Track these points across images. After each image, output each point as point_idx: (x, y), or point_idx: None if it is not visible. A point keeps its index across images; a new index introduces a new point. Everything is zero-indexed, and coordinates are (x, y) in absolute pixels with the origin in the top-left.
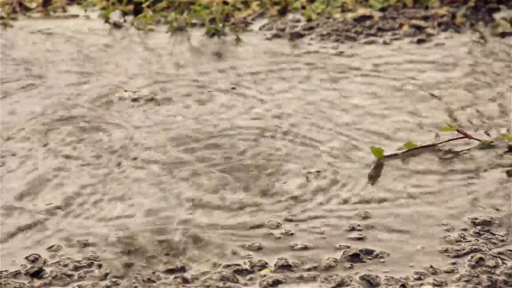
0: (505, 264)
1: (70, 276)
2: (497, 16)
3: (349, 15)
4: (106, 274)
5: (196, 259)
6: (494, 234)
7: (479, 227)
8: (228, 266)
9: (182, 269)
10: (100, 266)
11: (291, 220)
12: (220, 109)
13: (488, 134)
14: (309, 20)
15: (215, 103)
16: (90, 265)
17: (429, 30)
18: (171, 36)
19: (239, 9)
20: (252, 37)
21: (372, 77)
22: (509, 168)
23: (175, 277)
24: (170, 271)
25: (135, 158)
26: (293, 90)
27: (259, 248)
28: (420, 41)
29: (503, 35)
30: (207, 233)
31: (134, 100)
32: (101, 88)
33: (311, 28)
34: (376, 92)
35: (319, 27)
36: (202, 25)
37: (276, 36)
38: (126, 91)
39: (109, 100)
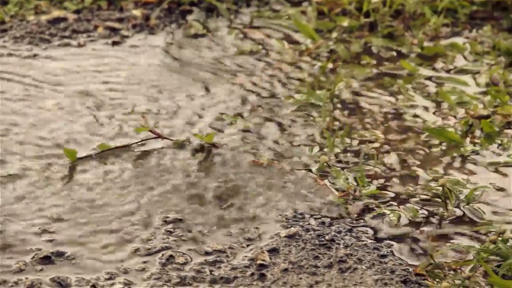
0: (194, 260)
1: None
2: (190, 18)
3: (43, 17)
4: None
5: None
6: (184, 232)
7: (170, 225)
8: None
9: None
10: None
11: None
12: None
13: (181, 135)
14: (2, 22)
15: None
16: None
17: (124, 32)
18: None
19: None
20: None
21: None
22: (195, 164)
23: None
24: None
25: None
26: None
27: None
28: (115, 43)
29: (195, 36)
30: None
31: None
32: None
33: (4, 30)
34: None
35: (13, 29)
36: None
37: None
38: None
39: None
